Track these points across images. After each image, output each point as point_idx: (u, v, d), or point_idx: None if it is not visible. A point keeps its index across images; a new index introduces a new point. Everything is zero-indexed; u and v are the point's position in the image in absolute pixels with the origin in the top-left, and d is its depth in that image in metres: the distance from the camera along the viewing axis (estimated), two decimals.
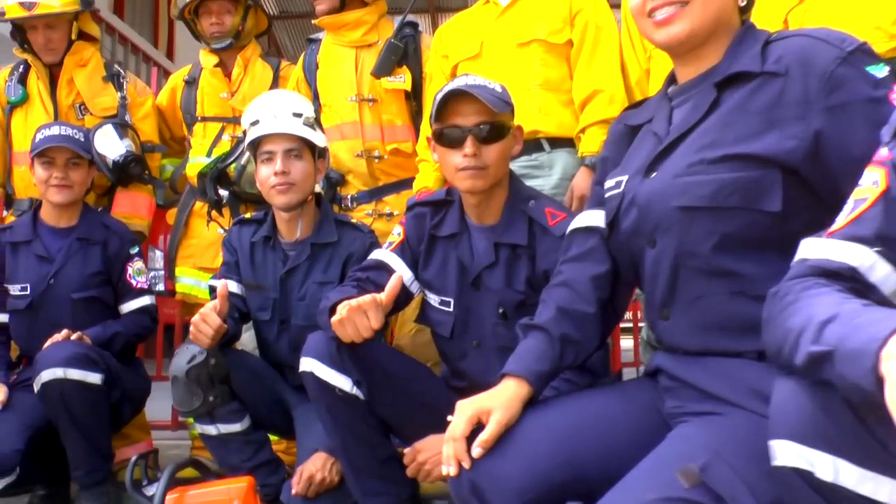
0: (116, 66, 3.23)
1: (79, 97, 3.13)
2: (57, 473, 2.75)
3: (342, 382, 1.97)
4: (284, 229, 2.51)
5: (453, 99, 1.95)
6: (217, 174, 2.94)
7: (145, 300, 2.89)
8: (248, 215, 2.62)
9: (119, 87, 3.17)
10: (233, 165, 2.95)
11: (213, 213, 3.00)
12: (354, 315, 1.79)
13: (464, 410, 1.41)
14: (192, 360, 2.28)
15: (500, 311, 2.04)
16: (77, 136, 2.79)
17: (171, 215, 3.30)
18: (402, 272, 2.11)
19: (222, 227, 3.05)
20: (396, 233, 2.19)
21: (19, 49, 3.13)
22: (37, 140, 2.77)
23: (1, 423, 2.52)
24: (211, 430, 2.37)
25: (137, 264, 2.89)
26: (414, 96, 2.89)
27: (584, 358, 1.58)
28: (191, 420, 3.14)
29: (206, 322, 2.19)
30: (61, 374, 2.44)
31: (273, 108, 2.44)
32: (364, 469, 2.04)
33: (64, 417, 2.49)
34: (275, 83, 3.17)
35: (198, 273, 3.15)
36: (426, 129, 2.71)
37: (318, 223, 2.50)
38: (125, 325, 2.80)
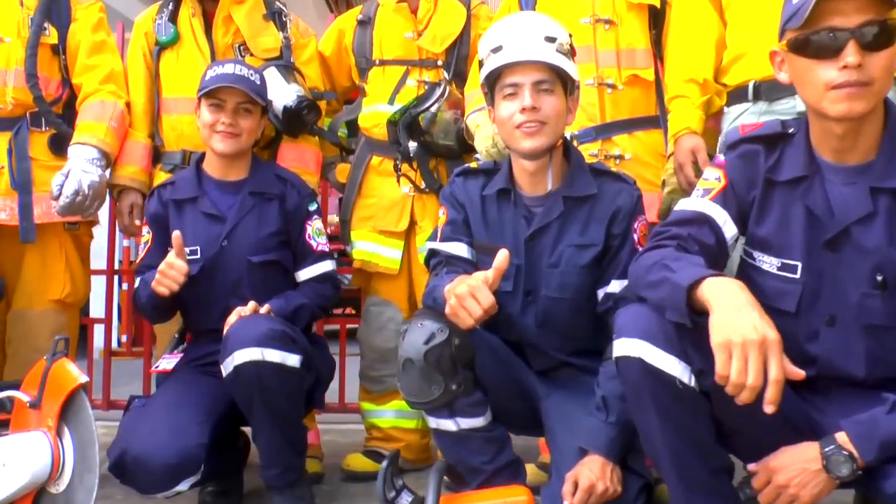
0: (277, 2, 2.78)
1: (237, 37, 2.69)
2: (228, 466, 2.33)
3: (681, 372, 1.53)
4: (527, 181, 2.05)
5: None
6: (410, 121, 2.50)
7: (327, 265, 2.45)
8: (473, 164, 2.17)
9: (282, 27, 2.73)
10: (422, 113, 2.52)
11: (405, 167, 2.56)
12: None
13: None
14: (430, 340, 1.84)
15: (879, 278, 1.56)
16: (253, 78, 2.35)
17: (340, 172, 2.85)
18: (723, 224, 1.67)
19: (414, 184, 2.62)
20: (714, 177, 1.72)
21: None
22: (207, 78, 2.33)
23: (178, 413, 2.10)
24: (449, 425, 1.93)
25: (317, 223, 2.45)
26: (655, 17, 2.46)
27: None
28: (367, 405, 2.73)
29: (477, 298, 1.75)
30: (258, 356, 2.02)
31: (521, 32, 1.99)
32: (697, 482, 1.58)
33: (259, 406, 2.06)
34: (468, 21, 2.72)
35: (378, 237, 2.71)
36: (698, 57, 2.28)
37: (568, 173, 2.05)
38: (308, 296, 2.36)
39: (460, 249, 2.06)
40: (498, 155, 2.32)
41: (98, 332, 3.81)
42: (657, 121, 2.47)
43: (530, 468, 2.33)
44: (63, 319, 2.72)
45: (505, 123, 1.99)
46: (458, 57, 2.70)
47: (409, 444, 2.75)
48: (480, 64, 2.05)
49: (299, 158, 2.67)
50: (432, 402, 1.87)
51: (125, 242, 5.11)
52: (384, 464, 1.88)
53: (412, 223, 2.68)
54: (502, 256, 1.80)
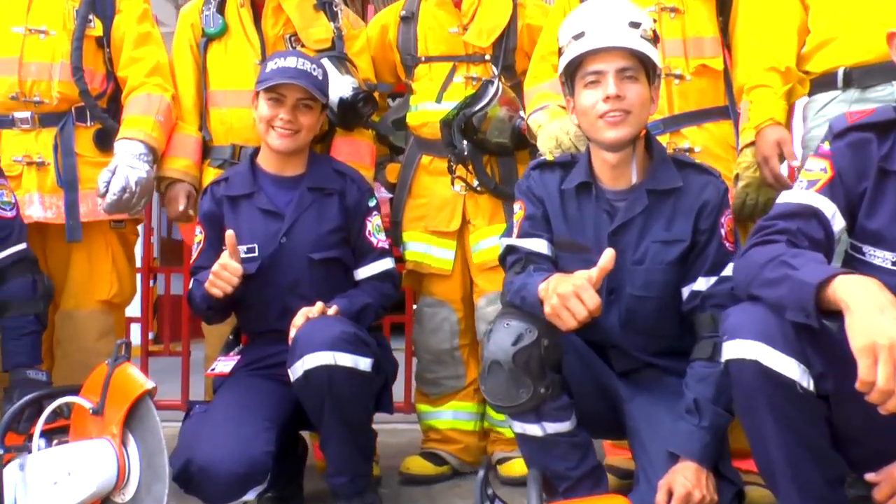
0: None
1: (288, 27, 2.59)
2: (289, 472, 2.26)
3: (800, 375, 1.44)
4: (608, 174, 1.96)
5: None
6: (465, 121, 2.41)
7: (388, 262, 2.36)
8: (549, 157, 2.07)
9: (333, 17, 2.63)
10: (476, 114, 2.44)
11: (458, 167, 2.49)
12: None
13: None
14: (518, 341, 1.76)
15: None
16: (315, 73, 2.25)
17: (390, 172, 2.76)
18: (832, 217, 1.58)
19: (468, 185, 2.53)
20: (819, 168, 1.63)
21: None
22: (267, 70, 2.24)
23: (243, 420, 2.02)
24: (535, 430, 1.85)
25: (377, 219, 2.37)
26: (722, 4, 2.35)
27: None
28: (423, 407, 2.64)
29: (582, 299, 1.68)
30: (330, 360, 1.93)
31: (604, 17, 1.90)
32: (814, 492, 1.50)
33: (329, 412, 1.98)
34: (514, 12, 2.61)
35: (429, 237, 2.61)
36: (778, 43, 2.17)
37: (651, 166, 1.96)
38: (371, 295, 2.28)
39: (540, 246, 1.97)
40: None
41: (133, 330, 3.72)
42: (726, 111, 2.38)
43: None
44: (110, 320, 2.65)
45: (587, 113, 1.90)
46: (505, 50, 2.59)
47: (468, 447, 2.67)
48: (559, 52, 1.96)
49: (354, 152, 2.57)
50: (519, 406, 1.79)
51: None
52: (480, 474, 1.80)
53: (465, 222, 2.59)
54: (608, 256, 1.73)
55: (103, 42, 2.60)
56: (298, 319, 2.04)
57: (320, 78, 2.26)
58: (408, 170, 2.68)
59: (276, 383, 2.17)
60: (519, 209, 2.03)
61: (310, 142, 2.33)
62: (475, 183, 2.53)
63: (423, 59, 2.66)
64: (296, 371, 1.97)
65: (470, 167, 2.51)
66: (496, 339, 1.78)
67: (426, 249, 2.62)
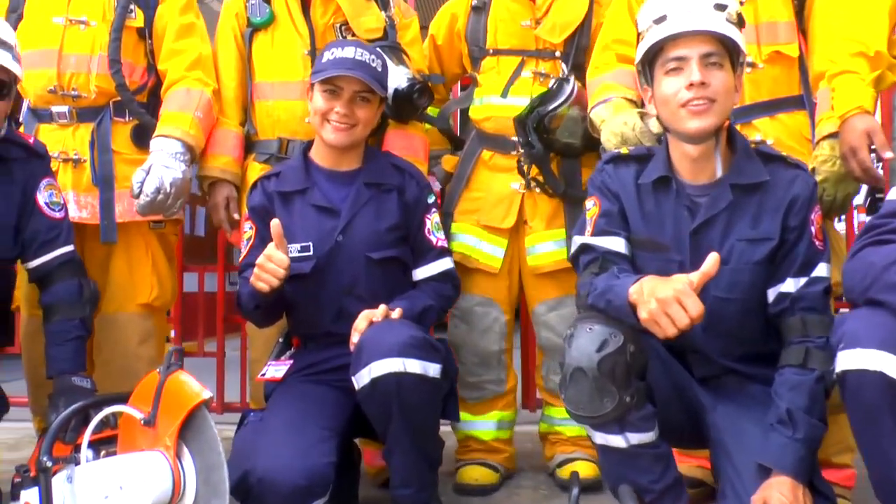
0: None
1: (338, 16, 2.46)
2: (345, 482, 2.16)
3: None
4: (688, 168, 1.85)
5: None
6: (538, 120, 2.31)
7: (447, 262, 2.26)
8: (623, 150, 1.96)
9: (384, 6, 2.51)
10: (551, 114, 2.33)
11: (533, 169, 2.38)
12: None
13: None
14: (603, 347, 1.65)
15: None
16: (374, 64, 2.14)
17: (446, 161, 2.64)
18: None
19: (540, 186, 2.42)
20: None
21: None
22: (323, 60, 2.13)
23: (303, 429, 1.92)
24: (618, 441, 1.74)
25: (435, 217, 2.26)
26: None
27: None
28: (463, 415, 2.53)
29: (684, 305, 1.57)
30: (399, 367, 1.83)
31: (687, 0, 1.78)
32: None
33: (397, 421, 1.88)
34: (590, 9, 2.48)
35: (481, 232, 2.49)
36: (867, 26, 2.04)
37: (735, 159, 1.84)
38: (432, 297, 2.17)
39: (618, 244, 1.86)
40: None
41: None
42: (801, 101, 2.25)
43: None
44: (151, 324, 2.56)
45: (668, 102, 1.79)
46: (577, 48, 2.47)
47: (510, 456, 2.58)
48: (638, 38, 1.85)
49: (408, 146, 2.46)
50: (603, 417, 1.68)
51: None
52: (574, 492, 1.69)
53: (520, 222, 2.48)
54: (713, 260, 1.61)
55: (144, 33, 2.49)
56: (361, 323, 1.94)
57: (379, 69, 2.15)
58: (467, 163, 2.56)
59: (332, 389, 2.07)
60: (593, 205, 1.92)
61: (366, 136, 2.22)
62: (534, 183, 2.42)
63: (490, 51, 2.54)
64: (361, 379, 1.86)
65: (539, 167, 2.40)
66: (579, 344, 1.67)
67: (476, 243, 2.50)
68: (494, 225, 2.48)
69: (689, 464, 2.27)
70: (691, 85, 1.74)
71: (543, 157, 2.36)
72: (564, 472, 2.44)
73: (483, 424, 2.55)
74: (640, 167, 1.90)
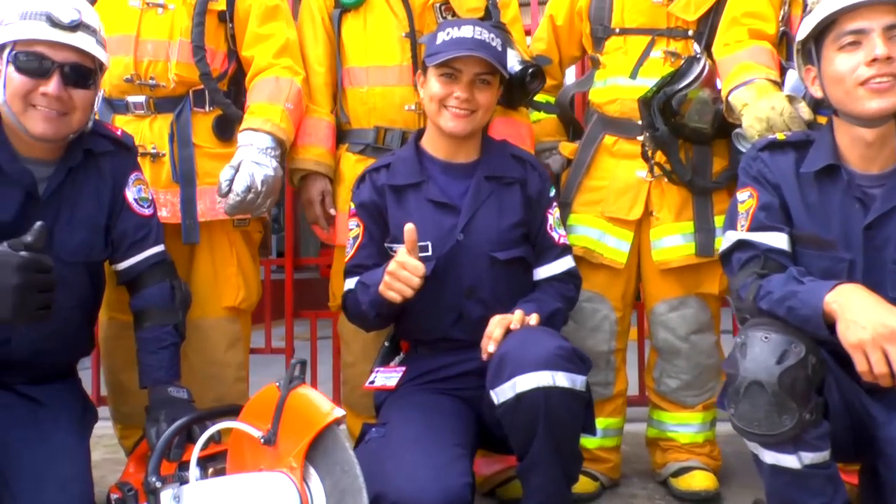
0: None
1: None
2: None
3: None
4: (859, 155, 1.68)
5: None
6: (664, 101, 2.14)
7: (569, 261, 2.08)
8: (780, 136, 1.78)
9: None
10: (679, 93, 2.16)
11: (658, 154, 2.22)
12: None
13: None
14: (783, 359, 1.50)
15: None
16: (494, 43, 1.96)
17: (564, 148, 2.46)
18: None
19: (665, 172, 2.25)
20: None
21: None
22: (438, 42, 1.95)
23: (435, 447, 1.75)
24: (791, 461, 1.58)
25: (556, 211, 2.09)
26: None
27: None
28: None
29: None
30: (549, 381, 1.66)
31: None
32: None
33: (541, 438, 1.70)
34: None
35: (605, 224, 2.32)
36: None
37: None
38: (558, 299, 2.00)
39: (780, 241, 1.70)
40: None
41: None
42: None
43: None
44: (237, 327, 2.41)
45: (842, 80, 1.63)
46: (711, 27, 2.27)
47: (615, 466, 2.43)
48: (805, 10, 1.67)
49: (515, 134, 2.28)
50: (780, 436, 1.52)
51: None
52: None
53: (646, 213, 2.30)
54: None
55: (226, 16, 2.32)
56: (496, 331, 1.77)
57: (499, 49, 1.97)
58: (587, 149, 2.38)
59: (454, 400, 1.92)
60: (749, 197, 1.75)
61: (486, 123, 2.05)
62: (663, 172, 2.25)
63: (617, 30, 2.35)
64: (503, 393, 1.69)
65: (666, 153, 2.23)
66: (755, 355, 1.51)
67: (599, 237, 2.32)
68: (620, 216, 2.31)
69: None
70: (874, 60, 1.58)
71: (670, 141, 2.19)
72: (682, 483, 2.29)
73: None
74: (800, 155, 1.74)
